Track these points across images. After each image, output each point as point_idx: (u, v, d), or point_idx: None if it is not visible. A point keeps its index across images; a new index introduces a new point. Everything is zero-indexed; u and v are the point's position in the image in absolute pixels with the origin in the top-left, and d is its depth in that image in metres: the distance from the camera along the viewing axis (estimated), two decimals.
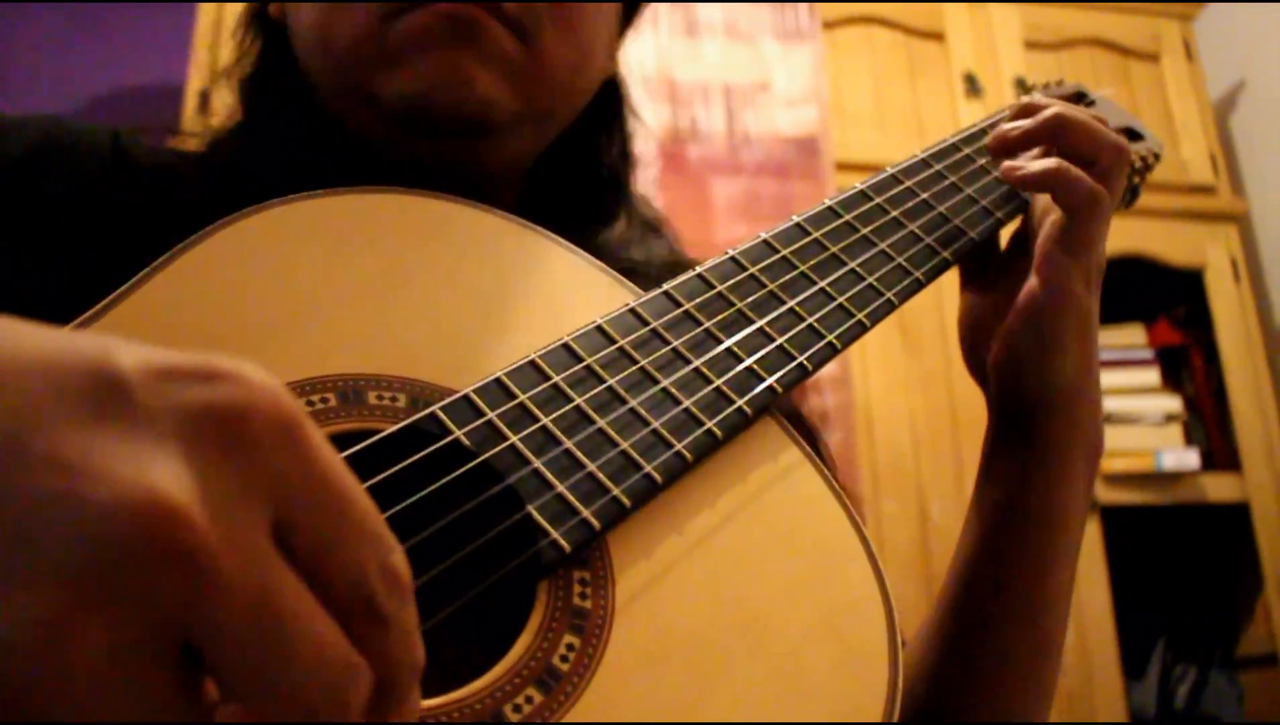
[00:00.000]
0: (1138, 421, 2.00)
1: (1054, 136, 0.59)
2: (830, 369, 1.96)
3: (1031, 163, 0.57)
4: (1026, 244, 0.60)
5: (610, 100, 0.67)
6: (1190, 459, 1.97)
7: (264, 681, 0.21)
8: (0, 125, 0.55)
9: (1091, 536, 1.88)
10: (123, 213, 0.54)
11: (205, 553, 0.21)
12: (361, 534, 0.24)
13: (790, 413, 0.63)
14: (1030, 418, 0.57)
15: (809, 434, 0.65)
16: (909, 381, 1.95)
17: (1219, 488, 2.00)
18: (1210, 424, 2.09)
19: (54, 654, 0.19)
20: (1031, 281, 0.57)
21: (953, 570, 0.60)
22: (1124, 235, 2.01)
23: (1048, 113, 0.59)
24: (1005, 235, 0.64)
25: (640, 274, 0.62)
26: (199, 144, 0.64)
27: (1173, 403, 2.03)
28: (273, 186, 0.47)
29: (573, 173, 0.66)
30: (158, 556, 0.20)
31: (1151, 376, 2.06)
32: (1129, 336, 2.09)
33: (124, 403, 0.22)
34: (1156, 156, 0.71)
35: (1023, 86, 2.13)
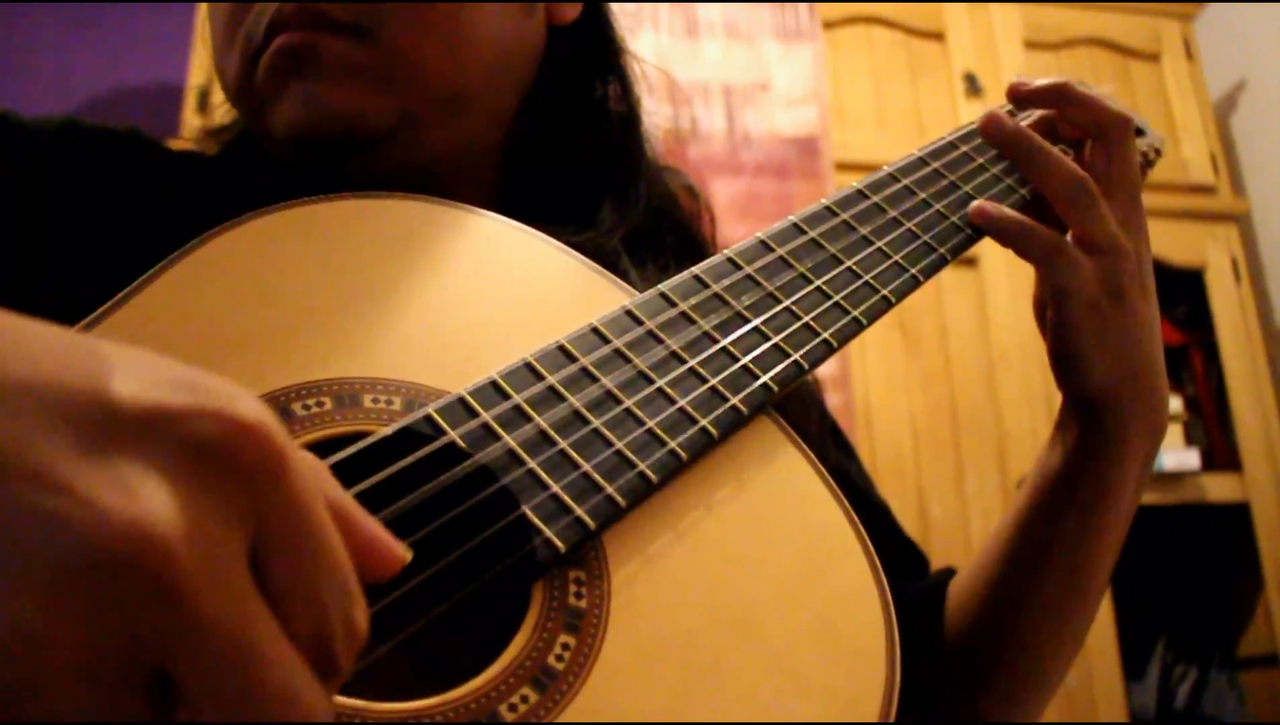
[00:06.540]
0: None
1: (1058, 102, 0.61)
2: (830, 368, 1.95)
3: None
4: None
5: (572, 52, 0.65)
6: (1190, 459, 1.97)
7: (233, 717, 0.22)
8: (23, 119, 0.56)
9: None
10: (142, 202, 0.55)
11: (185, 587, 0.21)
12: (332, 580, 0.25)
13: (804, 419, 0.63)
14: (1088, 401, 0.59)
15: (823, 426, 0.66)
16: (909, 381, 1.94)
17: (1219, 488, 2.00)
18: (1210, 424, 2.09)
19: (29, 661, 0.20)
20: None
21: (1004, 520, 0.63)
22: None
23: (1052, 80, 0.61)
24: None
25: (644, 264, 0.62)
26: (214, 146, 0.65)
27: (1173, 403, 2.03)
28: (260, 194, 0.47)
29: (562, 138, 0.65)
30: (138, 586, 0.20)
31: None
32: None
33: (116, 432, 0.22)
34: (1158, 152, 0.71)
35: None
